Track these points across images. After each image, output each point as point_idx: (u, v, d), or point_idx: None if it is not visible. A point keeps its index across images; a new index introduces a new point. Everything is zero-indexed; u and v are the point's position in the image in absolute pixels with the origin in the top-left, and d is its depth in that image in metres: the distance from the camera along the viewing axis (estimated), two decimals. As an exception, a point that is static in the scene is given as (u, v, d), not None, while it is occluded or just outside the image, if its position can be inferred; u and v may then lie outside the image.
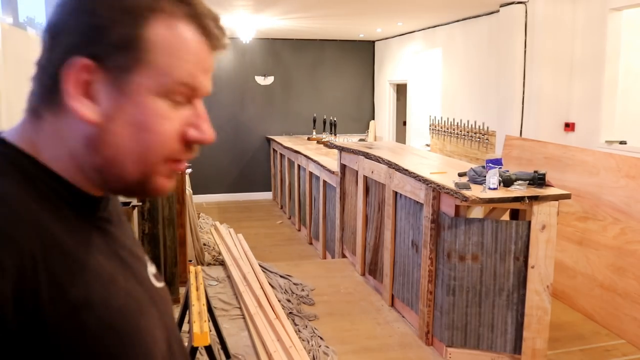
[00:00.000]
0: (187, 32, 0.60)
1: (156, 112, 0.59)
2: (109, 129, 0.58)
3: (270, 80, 9.03)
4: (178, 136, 0.62)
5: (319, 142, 7.72)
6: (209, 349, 2.35)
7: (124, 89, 0.57)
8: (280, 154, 8.21)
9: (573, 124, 5.21)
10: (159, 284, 0.73)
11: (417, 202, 3.65)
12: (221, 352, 2.96)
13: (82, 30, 0.57)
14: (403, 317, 3.94)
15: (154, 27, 0.58)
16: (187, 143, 0.63)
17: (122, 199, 3.82)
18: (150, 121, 0.59)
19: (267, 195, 9.16)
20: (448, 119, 6.96)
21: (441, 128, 7.13)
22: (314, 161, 6.09)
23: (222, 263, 5.05)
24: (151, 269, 0.73)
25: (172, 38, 0.59)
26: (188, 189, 5.21)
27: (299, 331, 3.62)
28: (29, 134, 0.60)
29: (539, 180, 3.19)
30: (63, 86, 0.56)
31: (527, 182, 3.21)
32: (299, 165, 7.04)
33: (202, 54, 0.61)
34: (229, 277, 4.60)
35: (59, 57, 0.57)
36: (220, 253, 5.28)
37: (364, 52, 9.40)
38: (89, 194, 0.62)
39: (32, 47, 2.77)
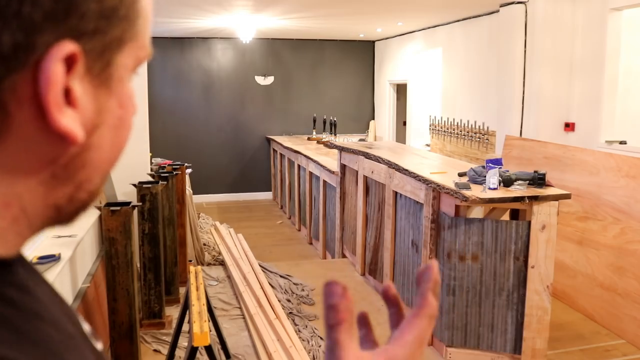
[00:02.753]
0: None
1: (131, 97, 0.42)
2: (91, 144, 0.39)
3: (270, 80, 9.03)
4: None
5: (319, 142, 7.72)
6: (209, 349, 2.35)
7: (107, 79, 0.38)
8: (280, 154, 8.21)
9: (573, 124, 5.21)
10: (99, 346, 0.51)
11: (417, 202, 3.65)
12: (221, 352, 2.96)
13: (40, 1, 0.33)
14: (403, 317, 3.94)
15: None
16: None
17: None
18: (126, 114, 0.42)
19: (267, 195, 9.16)
20: (448, 119, 6.96)
21: (441, 128, 7.13)
22: (314, 161, 6.09)
23: (222, 263, 5.05)
24: (86, 327, 0.51)
25: None
26: (188, 189, 5.22)
27: (299, 331, 3.62)
28: None
29: (539, 180, 3.19)
30: (21, 92, 0.34)
31: (527, 182, 3.21)
32: (299, 165, 7.04)
33: None
34: (229, 277, 4.60)
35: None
36: (220, 253, 5.29)
37: (364, 52, 9.40)
38: None
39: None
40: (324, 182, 5.88)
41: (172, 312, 3.80)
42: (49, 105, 0.35)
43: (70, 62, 0.35)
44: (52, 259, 2.70)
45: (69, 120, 0.36)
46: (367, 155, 4.51)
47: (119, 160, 0.44)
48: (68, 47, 0.34)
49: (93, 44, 0.36)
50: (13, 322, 0.36)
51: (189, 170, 5.62)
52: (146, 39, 0.42)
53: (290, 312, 3.91)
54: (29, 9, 0.33)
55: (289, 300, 4.13)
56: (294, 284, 4.48)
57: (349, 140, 7.22)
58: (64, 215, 0.41)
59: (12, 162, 0.36)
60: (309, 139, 8.34)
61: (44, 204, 0.39)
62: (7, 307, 0.36)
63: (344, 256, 5.36)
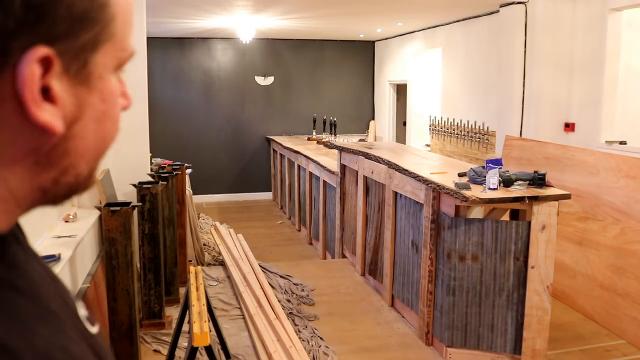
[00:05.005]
0: None
1: (114, 93, 0.46)
2: (73, 134, 0.43)
3: (270, 80, 9.03)
4: None
5: (319, 142, 7.72)
6: (209, 349, 2.35)
7: (86, 77, 0.43)
8: (280, 154, 8.21)
9: (573, 124, 5.21)
10: (94, 329, 0.52)
11: (417, 202, 3.65)
12: (221, 352, 2.96)
13: (14, 6, 0.37)
14: (403, 317, 3.94)
15: None
16: None
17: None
18: (110, 108, 0.46)
19: (267, 195, 9.16)
20: (448, 119, 6.96)
21: (441, 128, 7.13)
22: (314, 161, 6.09)
23: (222, 263, 5.05)
24: (82, 311, 0.53)
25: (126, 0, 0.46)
26: (188, 189, 5.22)
27: (299, 331, 3.62)
28: None
29: (539, 180, 3.19)
30: (3, 91, 0.39)
31: (527, 182, 3.21)
32: (299, 166, 7.04)
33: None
34: (229, 277, 4.60)
35: None
36: (220, 253, 5.28)
37: (364, 52, 9.39)
38: None
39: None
40: (324, 182, 5.88)
41: (172, 313, 3.80)
42: (27, 102, 0.39)
43: (47, 64, 0.39)
44: (52, 259, 2.70)
45: (47, 115, 0.40)
46: (367, 156, 4.51)
47: (108, 148, 0.49)
48: (41, 50, 0.39)
49: (67, 46, 0.41)
50: None
51: (189, 171, 5.62)
52: (126, 41, 0.46)
53: (290, 313, 3.90)
54: (2, 17, 0.37)
55: (289, 301, 4.12)
56: (294, 284, 4.48)
57: (348, 140, 7.22)
58: (51, 196, 0.46)
59: None
60: (309, 139, 8.34)
61: (30, 186, 0.44)
62: None
63: (344, 256, 5.36)
